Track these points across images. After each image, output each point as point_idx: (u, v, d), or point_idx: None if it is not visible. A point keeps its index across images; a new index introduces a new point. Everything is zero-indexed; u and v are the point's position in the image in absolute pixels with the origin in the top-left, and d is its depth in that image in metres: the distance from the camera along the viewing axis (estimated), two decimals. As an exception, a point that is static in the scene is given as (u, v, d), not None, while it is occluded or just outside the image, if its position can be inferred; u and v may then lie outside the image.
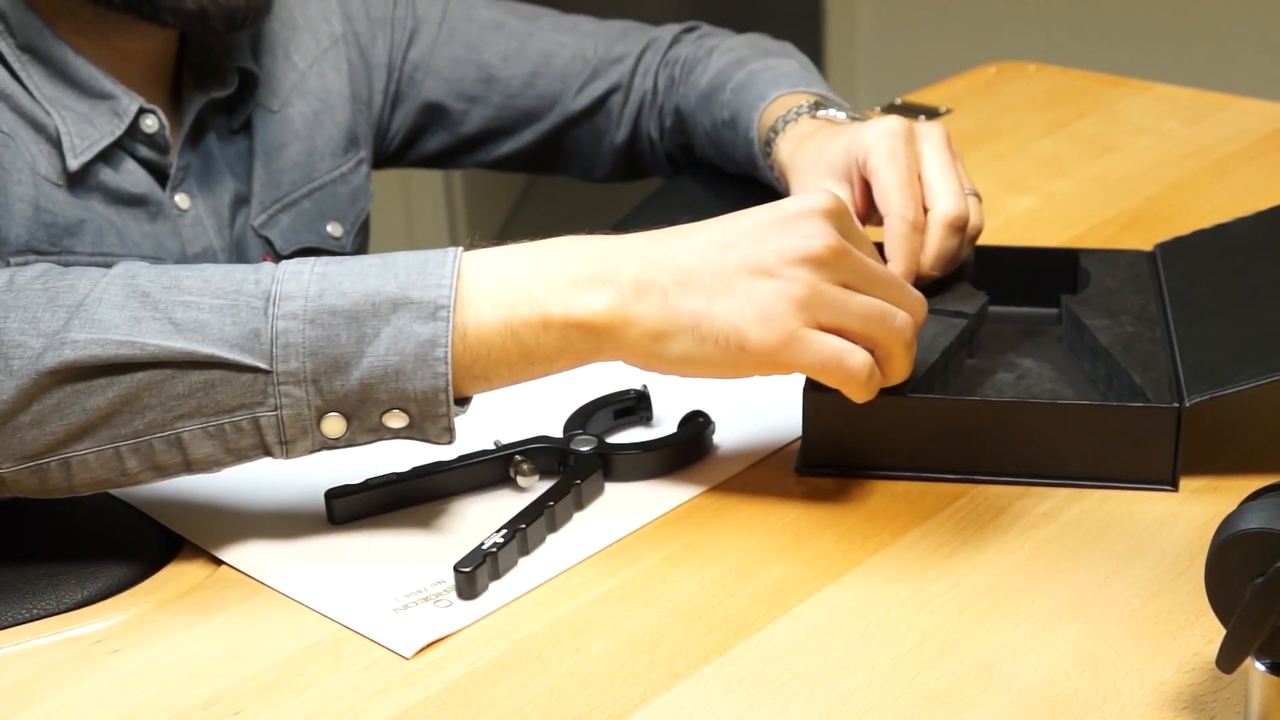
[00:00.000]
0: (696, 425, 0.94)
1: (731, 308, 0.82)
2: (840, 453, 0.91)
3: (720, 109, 1.25)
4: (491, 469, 0.91)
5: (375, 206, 1.32)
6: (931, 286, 1.02)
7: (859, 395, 0.85)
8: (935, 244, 0.98)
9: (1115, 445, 0.88)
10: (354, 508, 0.89)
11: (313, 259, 0.84)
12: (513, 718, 0.74)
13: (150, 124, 1.08)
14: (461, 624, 0.80)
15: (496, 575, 0.83)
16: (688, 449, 0.93)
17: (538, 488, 0.90)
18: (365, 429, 0.83)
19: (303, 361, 0.81)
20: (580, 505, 0.89)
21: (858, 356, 0.83)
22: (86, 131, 1.05)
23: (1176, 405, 0.88)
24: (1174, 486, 0.89)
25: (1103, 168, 1.36)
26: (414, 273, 0.82)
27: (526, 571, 0.84)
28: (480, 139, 1.34)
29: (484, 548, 0.83)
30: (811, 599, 0.81)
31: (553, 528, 0.87)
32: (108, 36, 1.06)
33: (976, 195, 1.02)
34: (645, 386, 0.98)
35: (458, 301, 0.82)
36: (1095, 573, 0.82)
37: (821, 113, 1.14)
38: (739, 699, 0.74)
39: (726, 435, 0.95)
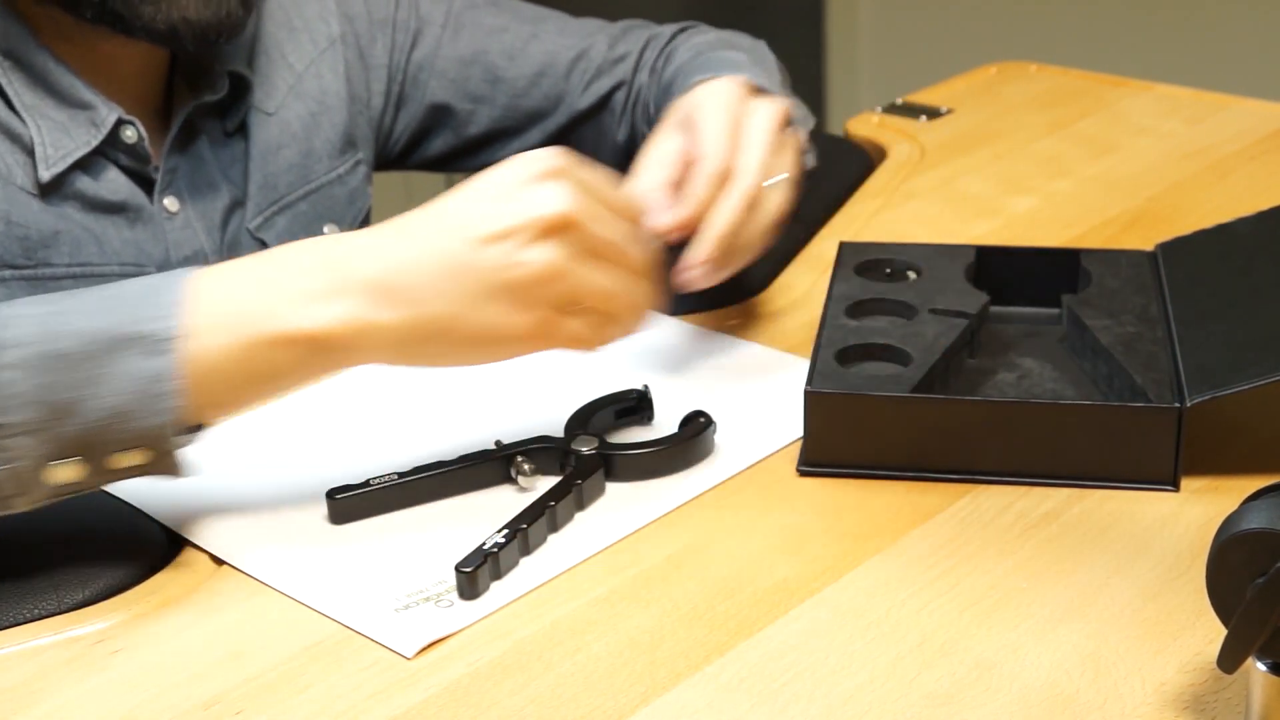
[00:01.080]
0: (698, 425, 0.94)
1: (478, 306, 0.82)
2: (841, 453, 0.91)
3: (666, 99, 1.24)
4: (492, 469, 0.91)
5: (377, 208, 1.32)
6: (932, 287, 1.02)
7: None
8: (726, 210, 0.96)
9: (1116, 445, 0.88)
10: (355, 508, 0.89)
11: (43, 296, 0.83)
12: (514, 718, 0.74)
13: (129, 135, 1.07)
14: (462, 624, 0.80)
15: (498, 575, 0.83)
16: (689, 449, 0.93)
17: (539, 488, 0.90)
18: (99, 472, 0.82)
19: (29, 412, 0.79)
20: (581, 505, 0.89)
21: (599, 333, 0.86)
22: (61, 141, 1.04)
23: (1177, 405, 0.88)
24: (1175, 486, 0.89)
25: (1104, 168, 1.36)
26: (143, 303, 0.81)
27: (527, 571, 0.84)
28: (486, 139, 1.33)
29: (485, 548, 0.83)
30: (812, 599, 0.81)
31: (554, 528, 0.87)
32: (92, 41, 1.05)
33: (789, 186, 1.00)
34: (646, 387, 0.98)
35: (186, 327, 0.81)
36: (1096, 573, 0.82)
37: None
38: (740, 699, 0.74)
39: (728, 435, 0.95)
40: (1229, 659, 0.67)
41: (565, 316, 0.84)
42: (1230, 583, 0.67)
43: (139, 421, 0.80)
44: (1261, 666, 0.67)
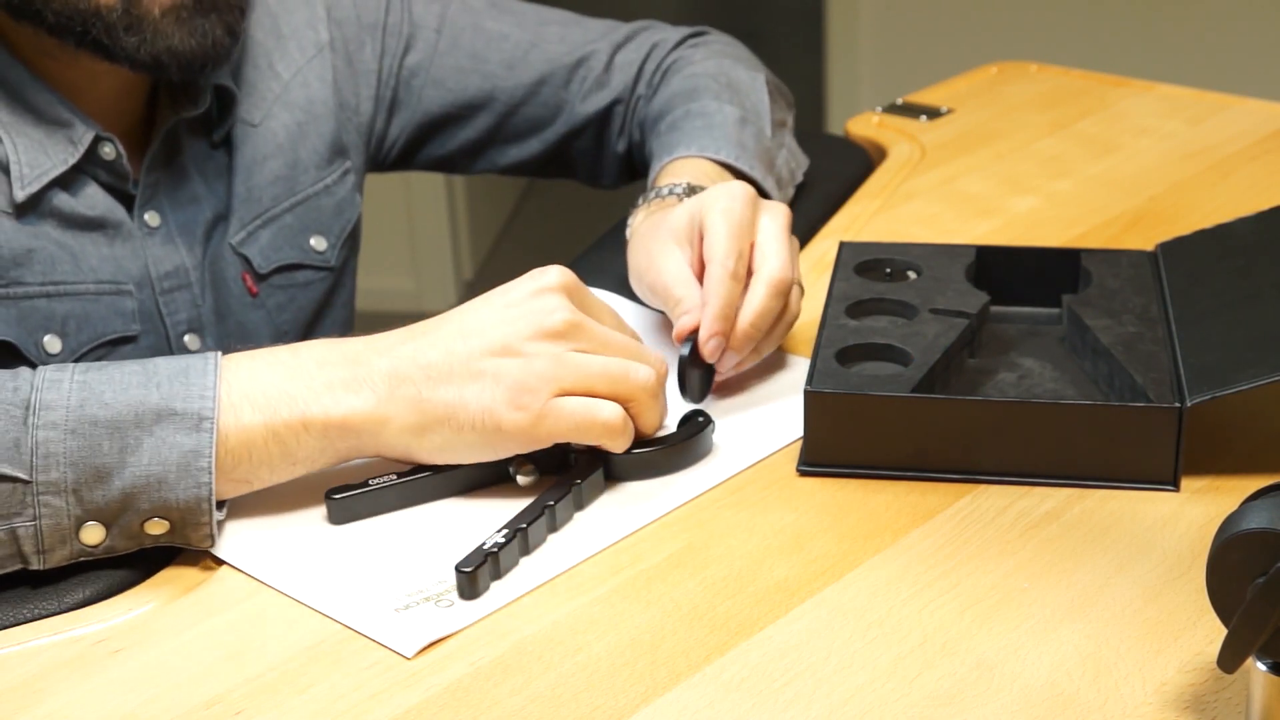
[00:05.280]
0: (696, 425, 0.93)
1: (483, 393, 0.86)
2: (841, 453, 0.91)
3: (654, 139, 1.24)
4: (492, 469, 0.91)
5: (376, 208, 1.31)
6: (933, 287, 1.02)
7: (616, 445, 0.89)
8: (757, 301, 0.95)
9: (1117, 445, 0.88)
10: (354, 508, 0.89)
11: (72, 365, 0.86)
12: (514, 718, 0.74)
13: (108, 151, 1.06)
14: (463, 624, 0.80)
15: (498, 575, 0.83)
16: (688, 449, 0.93)
17: (538, 487, 0.90)
18: (125, 536, 0.85)
19: (64, 471, 0.82)
20: (581, 505, 0.89)
21: (606, 409, 0.88)
22: (38, 160, 1.03)
23: (1178, 405, 0.88)
24: (1175, 486, 0.89)
25: (1105, 168, 1.36)
26: (176, 382, 0.85)
27: (527, 571, 0.84)
28: (483, 147, 1.32)
29: (485, 547, 0.83)
30: (813, 599, 0.81)
31: (553, 528, 0.87)
32: (77, 57, 1.04)
33: (800, 286, 1.00)
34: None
35: (223, 407, 0.85)
36: (1097, 573, 0.82)
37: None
38: (741, 699, 0.74)
39: (728, 435, 0.95)
40: (1229, 659, 0.67)
41: (565, 401, 0.87)
42: (1230, 583, 0.67)
43: (173, 493, 0.84)
44: (1262, 666, 0.67)
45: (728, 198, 0.98)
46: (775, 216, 0.99)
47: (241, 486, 0.87)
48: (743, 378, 1.01)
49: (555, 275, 0.90)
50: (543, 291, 0.89)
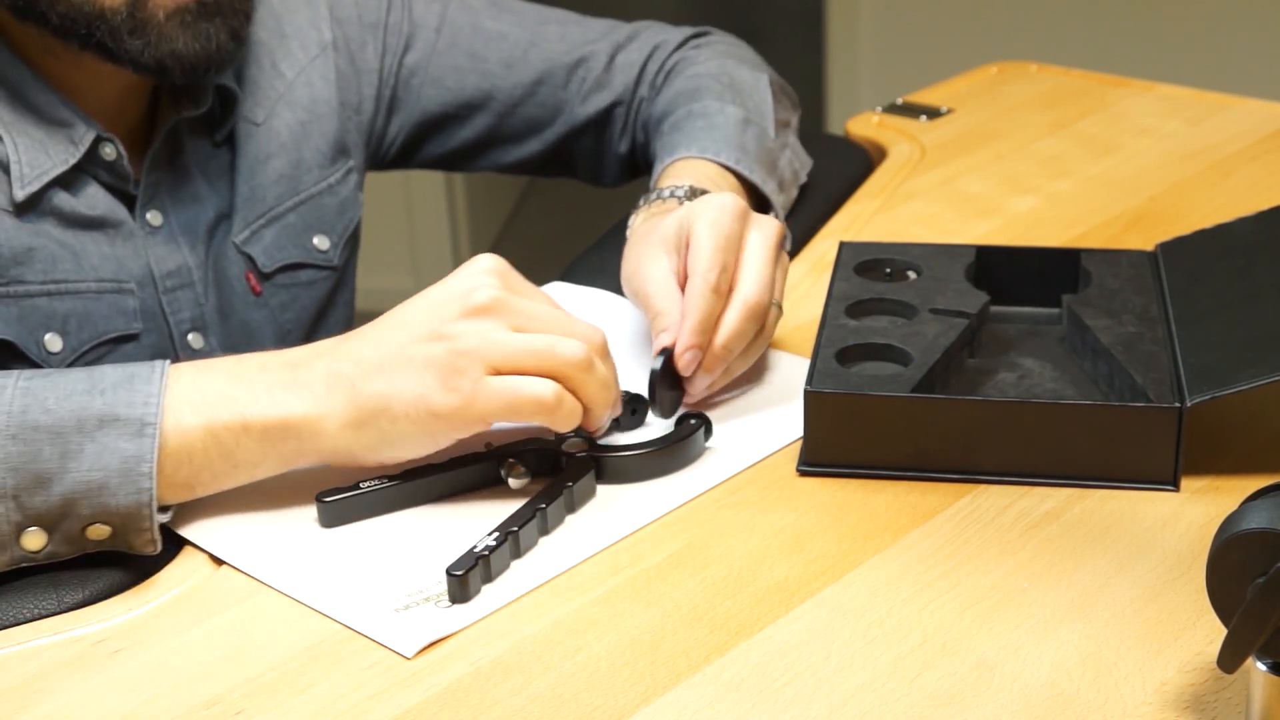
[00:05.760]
0: (688, 427, 0.93)
1: (414, 380, 0.86)
2: (841, 453, 0.91)
3: (657, 139, 1.24)
4: (483, 471, 0.91)
5: (376, 208, 1.30)
6: (932, 287, 1.02)
7: (558, 424, 0.88)
8: (731, 324, 0.94)
9: (1117, 445, 0.88)
10: (344, 511, 0.88)
11: (16, 373, 0.86)
12: (514, 718, 0.74)
13: (109, 152, 1.06)
14: (463, 624, 0.80)
15: (489, 578, 0.83)
16: (678, 451, 0.92)
17: (529, 490, 0.90)
18: (66, 541, 0.85)
19: (3, 477, 0.83)
20: (572, 508, 0.89)
21: (536, 385, 0.86)
22: (39, 160, 1.03)
23: (1178, 405, 0.88)
24: (1175, 486, 0.89)
25: (1105, 168, 1.36)
26: (121, 389, 0.85)
27: (519, 575, 0.84)
28: (483, 146, 1.32)
29: (476, 550, 0.83)
30: (813, 599, 0.81)
31: (545, 530, 0.87)
32: (80, 57, 1.04)
33: (779, 307, 0.99)
34: (640, 390, 0.97)
35: (165, 413, 0.85)
36: (1097, 573, 0.82)
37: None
38: (741, 699, 0.74)
39: (727, 435, 0.95)
40: (1229, 659, 0.67)
41: (494, 380, 0.86)
42: (1230, 583, 0.67)
43: (114, 498, 0.84)
44: (1262, 666, 0.67)
45: (716, 210, 0.97)
46: (764, 233, 0.98)
47: (184, 492, 0.87)
48: (741, 378, 1.01)
49: (486, 261, 0.90)
50: (472, 275, 0.89)
